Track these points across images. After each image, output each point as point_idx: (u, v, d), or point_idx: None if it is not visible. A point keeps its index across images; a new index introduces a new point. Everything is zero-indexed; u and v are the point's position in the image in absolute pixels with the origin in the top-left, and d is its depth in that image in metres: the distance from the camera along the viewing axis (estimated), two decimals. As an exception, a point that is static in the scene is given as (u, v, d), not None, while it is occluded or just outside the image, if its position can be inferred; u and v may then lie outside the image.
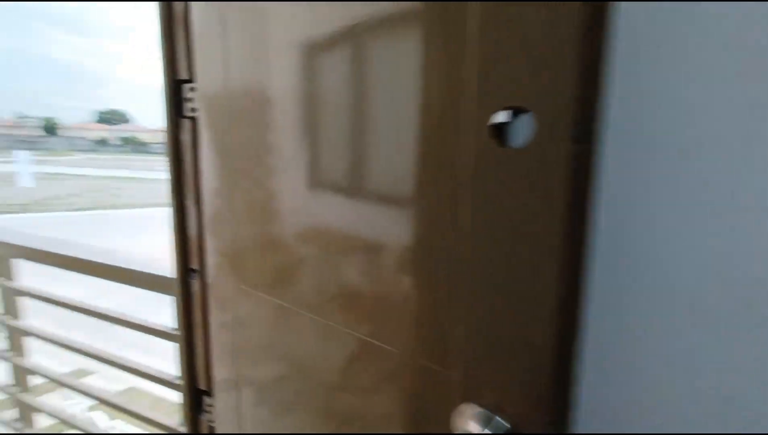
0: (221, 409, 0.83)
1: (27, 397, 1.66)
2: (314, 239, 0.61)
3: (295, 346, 0.67)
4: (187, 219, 0.80)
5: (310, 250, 0.62)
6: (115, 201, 19.96)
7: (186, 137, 0.79)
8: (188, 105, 0.77)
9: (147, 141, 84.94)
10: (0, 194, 19.21)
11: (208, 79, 0.73)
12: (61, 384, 1.46)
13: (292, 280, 0.65)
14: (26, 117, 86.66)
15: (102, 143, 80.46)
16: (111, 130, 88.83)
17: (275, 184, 0.65)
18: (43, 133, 78.69)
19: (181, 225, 0.80)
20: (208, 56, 0.72)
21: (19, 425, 1.72)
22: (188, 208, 0.80)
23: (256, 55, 0.64)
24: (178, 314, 0.87)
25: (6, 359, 1.67)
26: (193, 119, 0.77)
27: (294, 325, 0.66)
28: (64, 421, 1.52)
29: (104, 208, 17.90)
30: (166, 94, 0.78)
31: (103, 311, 1.27)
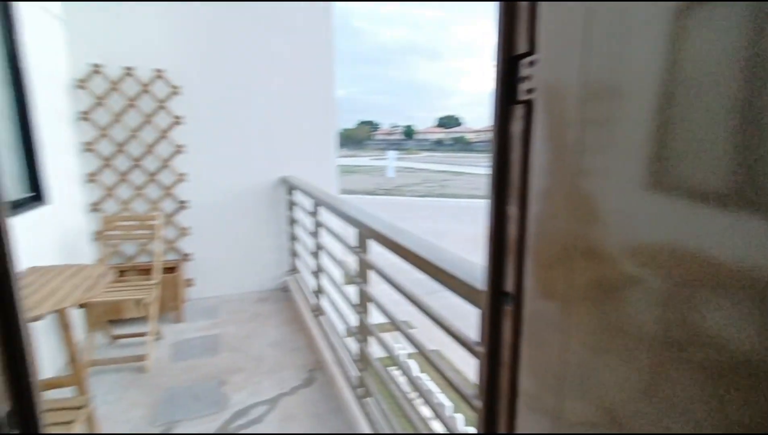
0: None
1: (367, 331, 2.08)
2: (654, 259, 0.43)
3: (607, 389, 0.49)
4: (506, 229, 0.66)
5: (645, 271, 0.43)
6: (443, 190, 23.54)
7: (516, 127, 0.64)
8: (523, 86, 0.62)
9: (472, 140, 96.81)
10: (377, 181, 26.40)
11: (555, 53, 0.55)
12: (394, 328, 1.71)
13: (618, 307, 0.47)
14: (396, 126, 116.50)
15: (438, 143, 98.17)
16: (446, 132, 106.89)
17: (605, 186, 0.47)
18: (404, 137, 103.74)
19: (497, 236, 0.67)
20: (561, 21, 0.54)
21: (361, 344, 2.18)
22: (509, 214, 0.65)
23: (623, 26, 0.43)
24: (483, 332, 0.76)
25: (357, 313, 2.15)
26: (527, 103, 0.61)
27: (613, 362, 0.47)
28: (390, 356, 1.83)
29: (435, 196, 21.45)
30: (498, 74, 0.65)
31: (418, 301, 1.37)
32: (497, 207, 0.68)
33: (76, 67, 3.17)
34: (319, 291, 3.10)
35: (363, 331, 2.14)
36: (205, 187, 3.69)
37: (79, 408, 1.58)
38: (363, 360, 2.18)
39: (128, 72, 3.26)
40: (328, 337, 2.80)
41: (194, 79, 3.49)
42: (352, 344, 2.39)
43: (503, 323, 0.71)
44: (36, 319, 1.74)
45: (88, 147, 3.28)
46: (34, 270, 2.29)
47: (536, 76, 0.59)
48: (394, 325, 1.73)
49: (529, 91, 0.61)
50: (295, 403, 2.44)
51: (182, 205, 3.63)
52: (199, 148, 3.61)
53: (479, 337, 0.82)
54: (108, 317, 3.24)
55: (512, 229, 0.65)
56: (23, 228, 2.38)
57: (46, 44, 2.84)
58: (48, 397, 2.34)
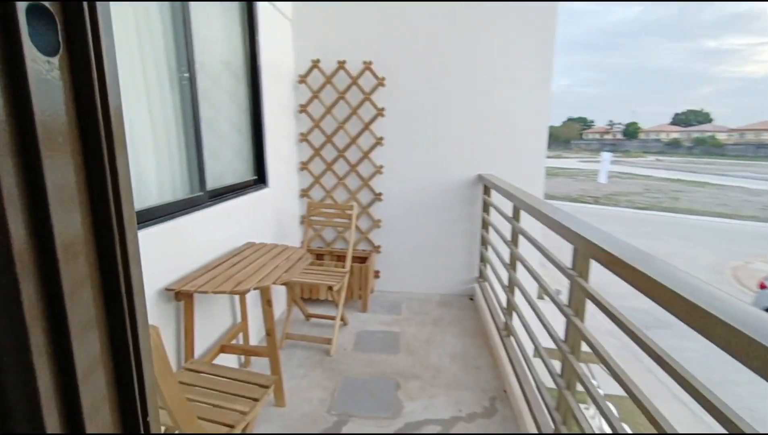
0: None
1: (575, 376, 1.53)
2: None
3: None
4: None
5: None
6: (673, 204, 19.06)
7: None
8: None
9: (724, 142, 75.14)
10: (584, 187, 23.31)
11: None
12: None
13: None
14: (614, 123, 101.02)
15: (673, 145, 79.81)
16: (685, 131, 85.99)
17: None
18: (623, 136, 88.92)
19: None
20: None
21: (563, 391, 1.63)
22: None
23: None
24: None
25: (563, 352, 1.61)
26: None
27: None
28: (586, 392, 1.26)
29: (661, 210, 17.54)
30: None
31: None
32: None
33: (299, 63, 3.55)
34: (510, 309, 2.62)
35: (569, 376, 1.59)
36: (400, 180, 3.67)
37: (267, 387, 1.59)
38: (562, 409, 1.64)
39: (341, 65, 3.47)
40: (517, 365, 2.31)
41: (398, 70, 3.48)
42: (548, 380, 1.85)
43: None
44: (244, 292, 1.88)
45: (303, 138, 3.66)
46: (249, 245, 2.59)
47: None
48: (606, 366, 1.17)
49: None
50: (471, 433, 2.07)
51: (377, 196, 3.70)
52: (397, 141, 3.60)
53: None
54: (305, 296, 3.56)
55: None
56: (248, 206, 2.73)
57: (278, 43, 3.25)
58: (242, 368, 2.63)
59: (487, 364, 2.68)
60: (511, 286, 2.61)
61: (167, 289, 1.85)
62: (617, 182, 25.71)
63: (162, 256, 1.87)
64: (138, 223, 1.77)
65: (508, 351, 2.46)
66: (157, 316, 1.82)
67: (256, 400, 1.53)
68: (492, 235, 3.29)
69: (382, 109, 3.52)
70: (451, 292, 3.84)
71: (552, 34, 3.34)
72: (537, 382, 1.99)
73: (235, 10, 2.73)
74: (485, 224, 3.47)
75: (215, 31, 2.52)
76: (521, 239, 2.44)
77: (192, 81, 2.19)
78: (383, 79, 3.46)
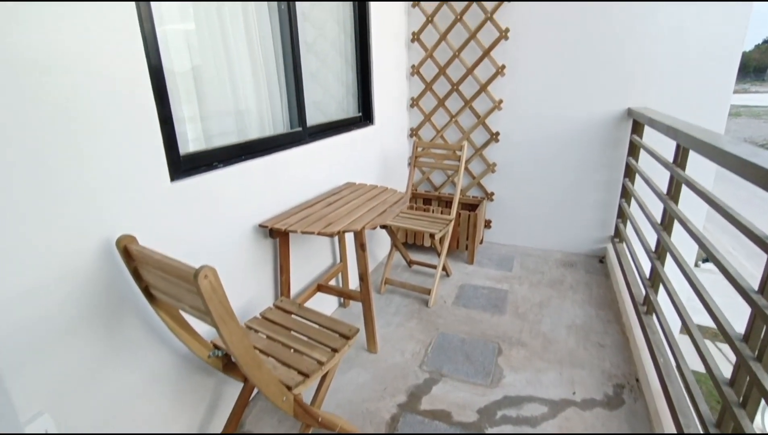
0: None
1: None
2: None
3: None
4: None
5: None
6: None
7: None
8: None
9: None
10: (774, 131, 18.31)
11: None
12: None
13: None
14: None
15: None
16: None
17: None
18: None
19: None
20: None
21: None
22: None
23: None
24: None
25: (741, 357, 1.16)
26: None
27: None
28: None
29: None
30: None
31: None
32: None
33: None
34: (656, 281, 2.09)
35: (744, 388, 1.15)
36: (522, 117, 3.15)
37: (348, 338, 1.52)
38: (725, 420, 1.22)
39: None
40: (658, 350, 1.85)
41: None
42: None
43: None
44: (332, 234, 1.79)
45: (414, 70, 3.34)
46: (348, 185, 2.49)
47: None
48: None
49: None
50: (585, 423, 1.75)
51: (494, 137, 3.26)
52: (522, 69, 3.04)
53: None
54: (409, 241, 3.43)
55: None
56: (350, 144, 2.61)
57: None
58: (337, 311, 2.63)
59: (616, 343, 2.24)
60: (661, 254, 2.06)
61: (261, 226, 1.85)
62: (835, 124, 19.47)
63: (259, 191, 1.87)
64: (236, 157, 1.76)
65: (647, 332, 1.99)
66: (253, 252, 1.85)
67: (335, 350, 1.46)
68: (639, 186, 2.65)
69: (506, 31, 2.96)
70: (576, 251, 3.32)
71: None
72: (686, 377, 1.55)
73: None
74: (630, 173, 2.81)
75: None
76: (684, 192, 1.85)
77: (291, 8, 2.04)
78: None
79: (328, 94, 2.58)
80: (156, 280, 1.16)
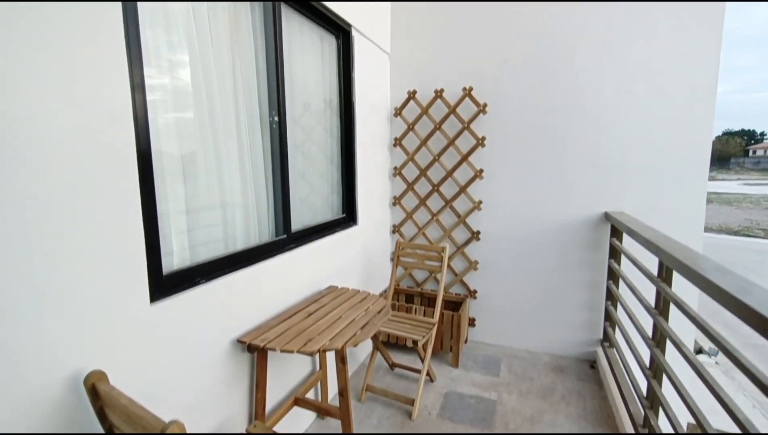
0: None
1: None
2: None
3: None
4: None
5: None
6: None
7: None
8: None
9: None
10: (753, 217, 19.21)
11: None
12: None
13: None
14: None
15: None
16: None
17: None
18: (803, 152, 72.01)
19: None
20: None
21: None
22: None
23: None
24: None
25: None
26: None
27: None
28: None
29: None
30: None
31: None
32: None
33: (395, 96, 3.44)
34: (654, 402, 2.01)
35: None
36: (501, 217, 3.27)
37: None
38: None
39: (438, 94, 3.27)
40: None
41: (502, 94, 3.14)
42: None
43: None
44: (311, 353, 1.74)
45: (396, 171, 3.51)
46: (331, 289, 2.47)
47: None
48: None
49: None
50: None
51: (475, 235, 3.35)
52: (499, 172, 3.23)
53: None
54: (391, 340, 3.33)
55: None
56: (334, 246, 2.64)
57: (374, 77, 3.18)
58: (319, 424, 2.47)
59: (613, 464, 2.11)
60: (656, 371, 2.00)
61: (239, 341, 1.79)
62: (800, 211, 20.66)
63: (241, 303, 1.83)
64: (220, 271, 1.75)
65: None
66: (229, 367, 1.77)
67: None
68: (624, 292, 2.68)
69: (483, 139, 3.20)
70: (565, 354, 3.26)
71: (719, 28, 2.66)
72: None
73: (332, 46, 2.73)
74: (614, 276, 2.87)
75: (309, 68, 2.53)
76: (673, 309, 1.87)
77: (281, 123, 2.18)
78: (485, 105, 3.16)
79: (314, 198, 2.67)
80: (121, 425, 1.08)
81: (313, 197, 2.66)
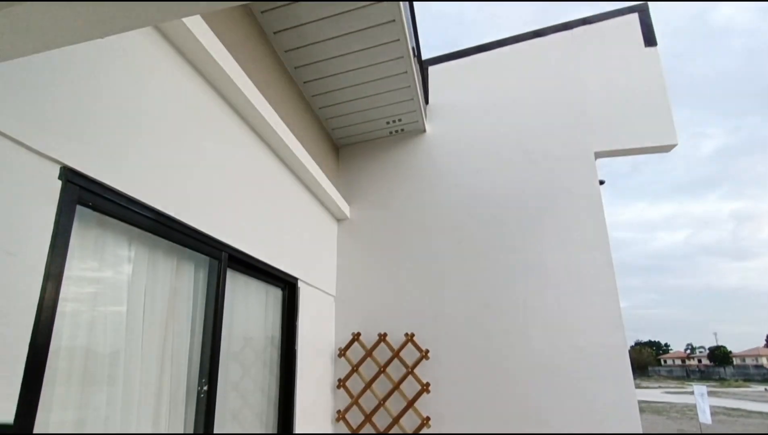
0: None
1: None
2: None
3: None
4: None
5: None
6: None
7: None
8: None
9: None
10: (682, 427, 19.44)
11: None
12: None
13: None
14: (696, 347, 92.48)
15: (779, 371, 69.08)
16: (786, 354, 75.50)
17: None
18: (710, 362, 79.11)
19: None
20: None
21: None
22: None
23: None
24: None
25: None
26: None
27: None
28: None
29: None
30: None
31: None
32: None
33: (340, 337, 3.59)
34: None
35: None
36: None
37: None
38: None
39: (382, 338, 3.46)
40: None
41: (443, 341, 3.40)
42: None
43: None
44: None
45: (340, 416, 3.37)
46: None
47: None
48: None
49: None
50: None
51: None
52: (448, 418, 3.22)
53: None
54: None
55: None
56: None
57: (319, 319, 3.36)
58: None
59: None
60: None
61: None
62: (725, 421, 21.36)
63: None
64: None
65: None
66: None
67: None
68: None
69: (428, 385, 3.28)
70: None
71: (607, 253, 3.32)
72: None
73: (277, 297, 2.90)
74: None
75: (252, 315, 2.60)
76: None
77: (211, 392, 2.04)
78: (427, 351, 3.36)
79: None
80: None
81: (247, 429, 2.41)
